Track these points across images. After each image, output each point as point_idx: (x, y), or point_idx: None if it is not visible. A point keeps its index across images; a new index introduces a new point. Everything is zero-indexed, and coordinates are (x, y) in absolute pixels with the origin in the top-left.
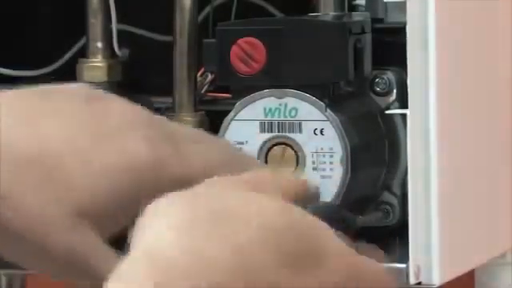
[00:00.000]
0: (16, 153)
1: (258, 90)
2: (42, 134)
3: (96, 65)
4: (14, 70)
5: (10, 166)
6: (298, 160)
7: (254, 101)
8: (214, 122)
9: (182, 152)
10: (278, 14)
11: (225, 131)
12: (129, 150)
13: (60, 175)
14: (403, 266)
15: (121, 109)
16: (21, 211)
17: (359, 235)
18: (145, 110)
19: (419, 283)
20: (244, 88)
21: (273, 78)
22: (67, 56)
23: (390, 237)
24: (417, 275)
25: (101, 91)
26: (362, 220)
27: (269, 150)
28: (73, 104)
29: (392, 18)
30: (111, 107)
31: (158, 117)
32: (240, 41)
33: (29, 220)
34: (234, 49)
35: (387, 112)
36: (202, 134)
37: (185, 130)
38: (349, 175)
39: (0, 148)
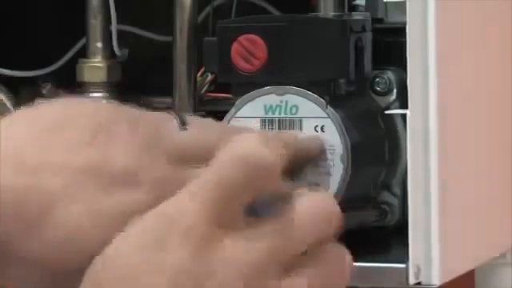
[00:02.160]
0: None
1: (258, 87)
2: None
3: (96, 65)
4: (13, 70)
5: None
6: None
7: (255, 98)
8: None
9: None
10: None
11: None
12: None
13: None
14: (403, 266)
15: None
16: None
17: (358, 235)
18: None
19: (419, 283)
20: (245, 85)
21: (273, 76)
22: (67, 56)
23: (390, 237)
24: (417, 275)
25: None
26: (361, 218)
27: None
28: None
29: (392, 18)
30: None
31: None
32: (241, 38)
33: None
34: (235, 46)
35: (387, 112)
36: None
37: None
38: (349, 173)
39: None
